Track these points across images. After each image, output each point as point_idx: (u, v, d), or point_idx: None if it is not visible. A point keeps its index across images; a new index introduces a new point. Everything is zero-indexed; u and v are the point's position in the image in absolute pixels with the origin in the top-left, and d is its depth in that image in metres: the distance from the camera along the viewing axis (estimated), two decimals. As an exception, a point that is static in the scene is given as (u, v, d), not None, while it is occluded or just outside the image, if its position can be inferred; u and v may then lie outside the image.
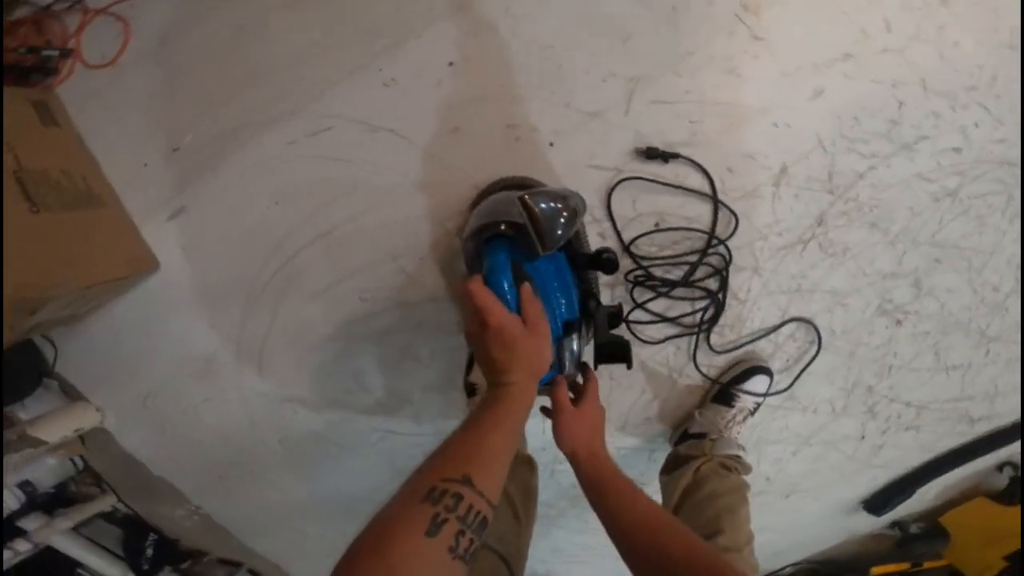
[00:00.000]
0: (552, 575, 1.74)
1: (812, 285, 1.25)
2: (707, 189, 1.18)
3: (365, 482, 1.59)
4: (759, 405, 1.32)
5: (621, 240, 1.22)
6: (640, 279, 1.24)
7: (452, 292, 1.30)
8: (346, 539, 1.75)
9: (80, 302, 1.26)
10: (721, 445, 1.27)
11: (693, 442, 1.31)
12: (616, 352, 1.04)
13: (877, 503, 1.54)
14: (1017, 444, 1.42)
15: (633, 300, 1.26)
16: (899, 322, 1.28)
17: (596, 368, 1.06)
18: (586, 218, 1.18)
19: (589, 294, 1.13)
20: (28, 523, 1.67)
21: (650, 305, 1.27)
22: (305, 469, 1.60)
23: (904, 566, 1.62)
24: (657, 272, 1.23)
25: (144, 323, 1.41)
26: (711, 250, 1.21)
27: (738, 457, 1.27)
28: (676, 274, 1.23)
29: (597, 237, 1.22)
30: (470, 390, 1.34)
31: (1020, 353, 1.32)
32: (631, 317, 1.27)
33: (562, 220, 0.91)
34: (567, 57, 1.13)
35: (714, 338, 1.30)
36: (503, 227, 0.97)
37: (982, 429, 1.42)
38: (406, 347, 1.37)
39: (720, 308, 1.26)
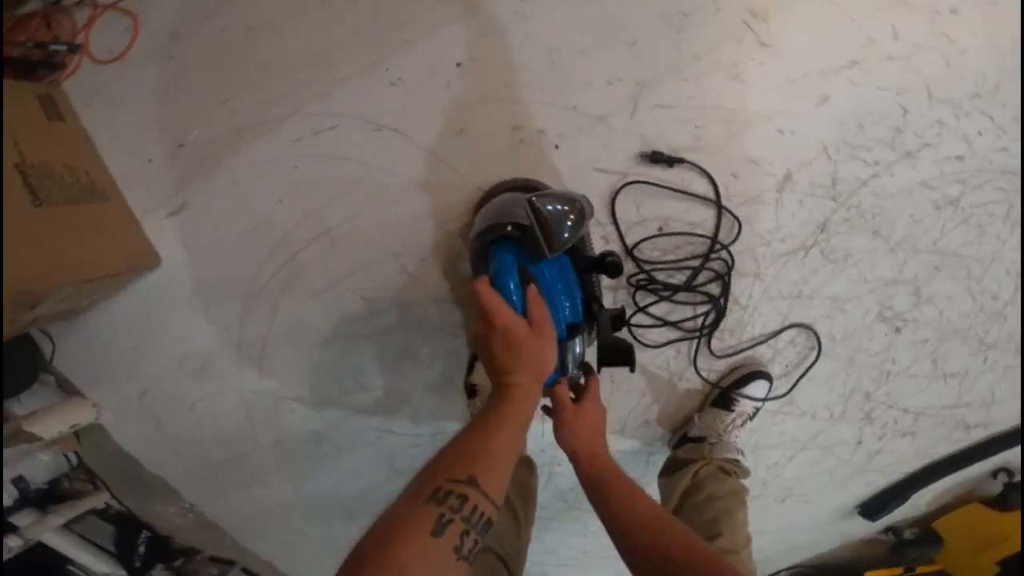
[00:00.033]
0: (546, 577, 1.74)
1: (813, 291, 1.25)
2: (711, 194, 1.18)
3: (362, 482, 1.58)
4: (758, 410, 1.32)
5: (624, 244, 1.22)
6: (642, 283, 1.24)
7: (454, 293, 1.30)
8: (342, 539, 1.75)
9: (80, 296, 1.25)
10: (720, 449, 1.28)
11: (692, 446, 1.32)
12: (620, 355, 1.04)
13: (872, 508, 1.55)
14: (1011, 451, 1.43)
15: (635, 304, 1.27)
16: (898, 329, 1.29)
17: (599, 371, 1.06)
18: (591, 221, 1.18)
19: (592, 297, 1.13)
20: (20, 519, 1.66)
21: (652, 309, 1.27)
22: (301, 468, 1.59)
23: (897, 571, 1.63)
24: (659, 276, 1.24)
25: (143, 319, 1.40)
26: (714, 255, 1.21)
27: (737, 461, 1.28)
28: (678, 278, 1.24)
29: (600, 240, 1.22)
30: (470, 391, 1.34)
31: (1020, 360, 1.33)
32: (633, 321, 1.27)
33: (569, 223, 0.90)
34: (574, 60, 1.14)
35: (715, 343, 1.30)
36: (509, 228, 0.98)
37: (978, 436, 1.43)
38: (406, 347, 1.37)
39: (721, 313, 1.26)
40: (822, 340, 1.29)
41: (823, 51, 1.09)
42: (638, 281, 1.24)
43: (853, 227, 1.20)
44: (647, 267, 1.23)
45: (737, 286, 1.25)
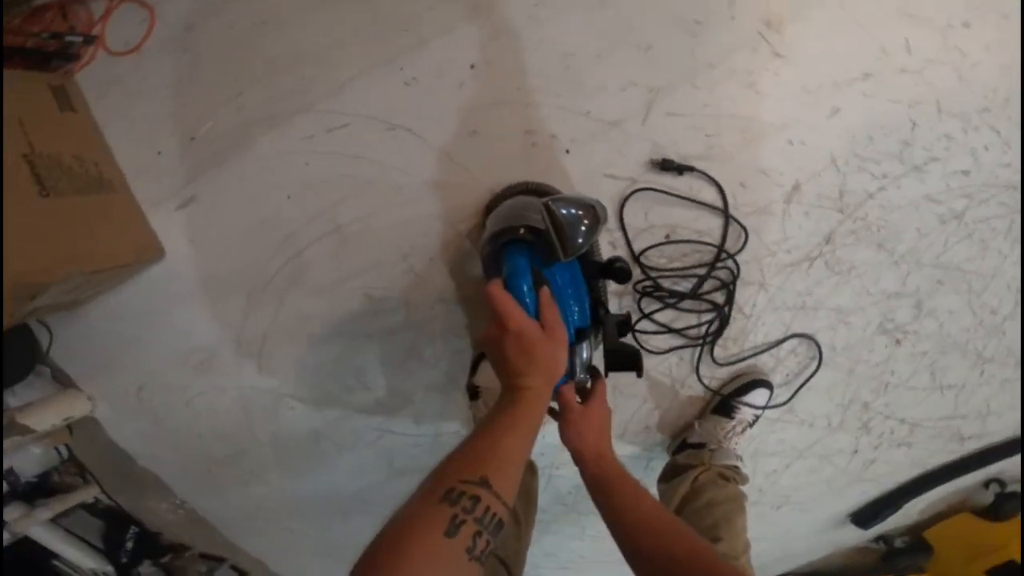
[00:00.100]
0: (542, 581, 1.74)
1: (816, 302, 1.27)
2: (719, 203, 1.19)
3: (361, 481, 1.58)
4: (758, 417, 1.33)
5: (632, 250, 1.22)
6: (648, 290, 1.25)
7: (460, 294, 1.30)
8: (338, 538, 1.74)
9: (82, 288, 1.24)
10: (720, 455, 1.29)
11: (692, 452, 1.33)
12: (627, 360, 1.05)
13: (865, 516, 1.57)
14: (1004, 462, 1.46)
15: (640, 310, 1.27)
16: (899, 341, 1.31)
17: (606, 375, 1.07)
18: (602, 227, 1.18)
19: (598, 302, 1.14)
20: (8, 513, 1.64)
21: (656, 316, 1.28)
22: (299, 466, 1.58)
23: (888, 579, 1.66)
24: (665, 283, 1.24)
25: (145, 312, 1.39)
26: (720, 264, 1.22)
27: (736, 468, 1.29)
28: (684, 286, 1.24)
29: (608, 246, 1.23)
30: (473, 393, 1.34)
31: (1016, 373, 1.35)
32: (637, 327, 1.28)
33: (583, 228, 0.91)
34: (588, 65, 1.14)
35: (717, 350, 1.31)
36: (522, 231, 0.98)
37: (972, 447, 1.46)
38: (411, 347, 1.37)
39: (725, 321, 1.27)
40: (823, 350, 1.31)
41: (837, 62, 1.10)
42: (644, 288, 1.25)
43: (859, 239, 1.21)
44: (653, 274, 1.24)
45: (741, 295, 1.26)
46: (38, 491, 1.78)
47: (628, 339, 1.28)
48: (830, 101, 1.12)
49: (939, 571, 1.61)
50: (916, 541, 1.63)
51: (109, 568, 1.92)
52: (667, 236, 1.22)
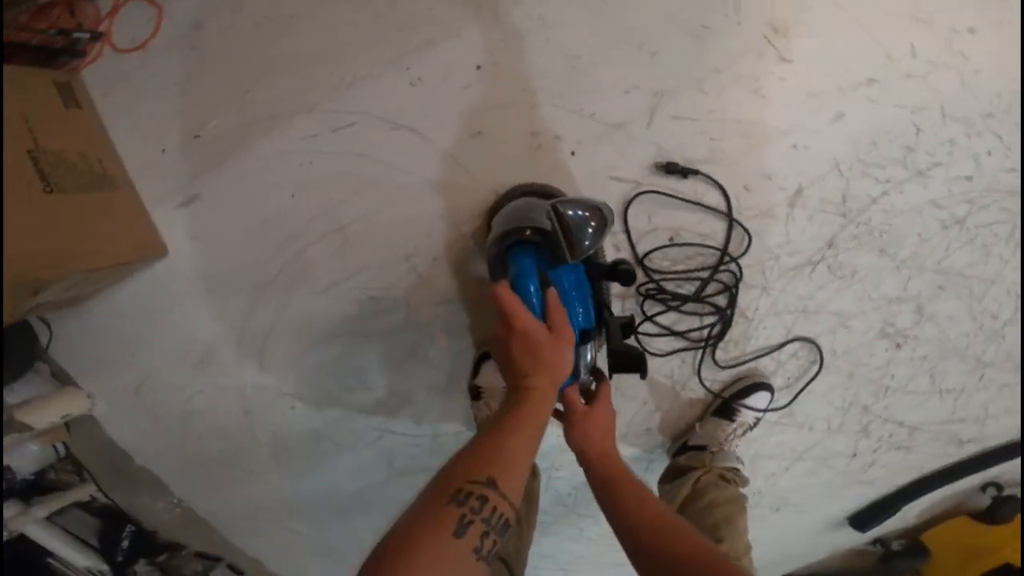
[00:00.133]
0: (540, 582, 1.75)
1: (818, 306, 1.27)
2: (723, 207, 1.19)
3: (360, 482, 1.58)
4: (759, 420, 1.34)
5: (635, 253, 1.23)
6: (652, 292, 1.25)
7: (462, 294, 1.30)
8: (336, 538, 1.74)
9: (84, 284, 1.24)
10: (721, 458, 1.30)
11: (693, 454, 1.33)
12: (632, 362, 1.05)
13: (863, 519, 1.57)
14: (1001, 466, 1.47)
15: (643, 312, 1.27)
16: (899, 346, 1.31)
17: (611, 377, 1.07)
18: (607, 229, 1.19)
19: (602, 304, 1.14)
20: (4, 511, 1.63)
21: (659, 318, 1.28)
22: (298, 466, 1.58)
23: (884, 582, 1.67)
24: (668, 286, 1.25)
25: (146, 310, 1.38)
26: (723, 267, 1.23)
27: (736, 470, 1.29)
28: (687, 289, 1.25)
29: (612, 248, 1.23)
30: (475, 393, 1.34)
31: (1015, 378, 1.36)
32: (640, 329, 1.28)
33: (590, 230, 0.91)
34: (594, 68, 1.14)
35: (719, 353, 1.32)
36: (529, 233, 0.98)
37: (970, 451, 1.46)
38: (413, 347, 1.37)
39: (727, 324, 1.28)
40: (824, 354, 1.31)
41: (842, 68, 1.11)
42: (647, 290, 1.25)
43: (861, 244, 1.21)
44: (657, 277, 1.24)
45: (744, 298, 1.26)
46: (34, 489, 1.77)
47: (631, 341, 1.28)
48: (834, 106, 1.12)
49: (936, 574, 1.62)
50: (913, 544, 1.63)
51: (104, 567, 1.91)
52: (671, 239, 1.22)
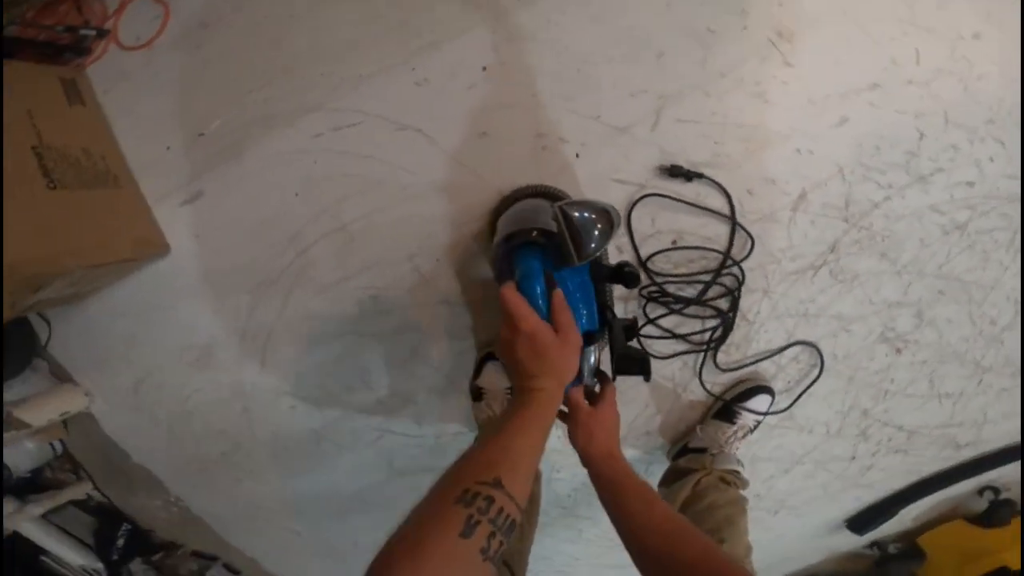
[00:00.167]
0: (538, 583, 1.75)
1: (819, 310, 1.28)
2: (726, 210, 1.19)
3: (360, 482, 1.58)
4: (759, 423, 1.34)
5: (638, 255, 1.23)
6: (654, 295, 1.25)
7: (465, 295, 1.30)
8: (333, 538, 1.73)
9: (85, 281, 1.24)
10: (721, 460, 1.30)
11: (693, 456, 1.34)
12: (636, 365, 1.05)
13: (860, 522, 1.58)
14: (998, 470, 1.48)
15: (645, 315, 1.28)
16: (899, 350, 1.32)
17: (615, 379, 1.07)
18: (612, 231, 1.19)
19: (605, 306, 1.14)
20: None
21: (661, 321, 1.28)
22: (297, 465, 1.58)
23: (881, 584, 1.68)
24: (671, 289, 1.25)
25: (147, 307, 1.38)
26: (725, 270, 1.23)
27: (737, 472, 1.29)
28: (689, 292, 1.25)
29: (615, 250, 1.23)
30: (476, 394, 1.34)
31: (1013, 382, 1.37)
32: (642, 331, 1.28)
33: (597, 232, 0.91)
34: (600, 70, 1.14)
35: (720, 356, 1.32)
36: (535, 234, 0.98)
37: (967, 455, 1.47)
38: (415, 347, 1.37)
39: (729, 328, 1.28)
40: (825, 358, 1.32)
41: (846, 72, 1.11)
42: (650, 293, 1.25)
43: (863, 249, 1.22)
44: (659, 279, 1.24)
45: (745, 301, 1.27)
46: (30, 487, 1.77)
47: (633, 343, 1.29)
48: (838, 111, 1.13)
49: (931, 577, 1.64)
50: (909, 547, 1.64)
51: (99, 565, 1.90)
52: (674, 242, 1.23)
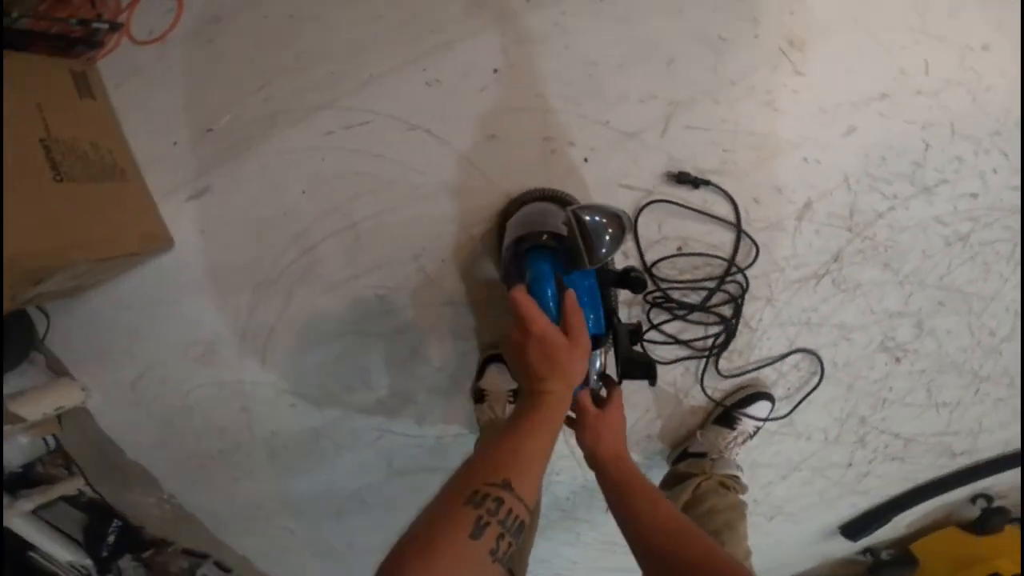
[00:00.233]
0: (535, 586, 1.75)
1: (821, 319, 1.29)
2: (732, 218, 1.20)
3: (359, 481, 1.57)
4: (759, 429, 1.35)
5: (644, 261, 1.23)
6: (658, 300, 1.26)
7: (470, 297, 1.30)
8: (329, 538, 1.71)
9: (88, 274, 1.23)
10: (721, 465, 1.31)
11: (693, 460, 1.35)
12: (641, 369, 1.05)
13: (855, 528, 1.60)
14: (992, 478, 1.50)
15: (649, 320, 1.28)
16: (898, 359, 1.33)
17: (620, 383, 1.07)
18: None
19: (611, 310, 1.15)
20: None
21: (664, 326, 1.29)
22: (296, 464, 1.57)
23: (873, 591, 1.69)
24: (675, 295, 1.26)
25: (149, 302, 1.37)
26: (729, 278, 1.24)
27: (736, 477, 1.31)
28: (693, 298, 1.26)
29: (620, 256, 1.24)
30: (478, 396, 1.34)
31: (1010, 393, 1.39)
32: (645, 337, 1.29)
33: (608, 237, 0.91)
34: (610, 75, 1.14)
35: (722, 362, 1.33)
36: (545, 238, 0.98)
37: (962, 463, 1.49)
38: (417, 348, 1.37)
39: (732, 334, 1.29)
40: (825, 366, 1.33)
41: (856, 82, 1.12)
42: (654, 299, 1.26)
43: (866, 258, 1.23)
44: (664, 285, 1.25)
45: (748, 309, 1.28)
46: (21, 482, 1.75)
47: (636, 348, 1.29)
48: (847, 120, 1.14)
49: (924, 583, 1.65)
50: (902, 554, 1.66)
51: (88, 561, 1.88)
52: (679, 248, 1.23)
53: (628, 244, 1.23)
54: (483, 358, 1.35)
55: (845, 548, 1.68)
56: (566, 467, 1.48)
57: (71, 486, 1.79)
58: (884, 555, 1.68)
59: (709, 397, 1.36)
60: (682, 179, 1.18)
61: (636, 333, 1.12)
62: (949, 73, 1.11)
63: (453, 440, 1.47)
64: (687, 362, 1.33)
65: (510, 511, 0.63)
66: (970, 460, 1.49)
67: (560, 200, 1.15)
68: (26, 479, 1.75)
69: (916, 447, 1.45)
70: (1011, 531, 1.53)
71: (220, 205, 1.28)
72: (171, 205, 1.28)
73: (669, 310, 1.27)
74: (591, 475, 0.99)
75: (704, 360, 1.32)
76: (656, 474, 1.42)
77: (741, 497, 1.29)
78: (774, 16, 1.10)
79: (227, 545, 1.85)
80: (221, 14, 1.19)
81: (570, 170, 1.19)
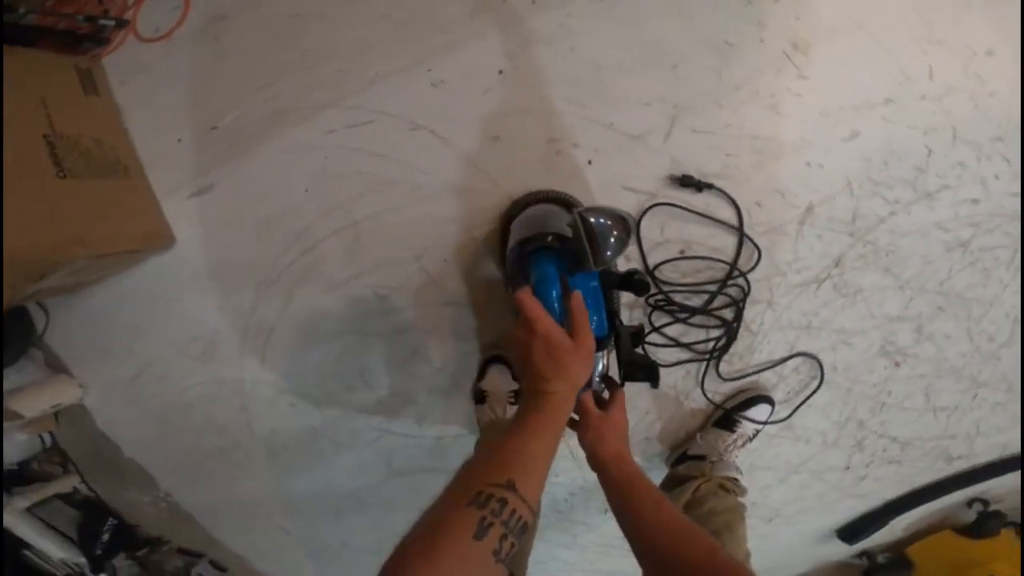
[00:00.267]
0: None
1: (822, 323, 1.29)
2: (734, 221, 1.21)
3: (357, 481, 1.57)
4: (758, 432, 1.35)
5: (646, 264, 1.24)
6: (660, 303, 1.26)
7: (471, 297, 1.30)
8: (326, 537, 1.71)
9: (89, 271, 1.22)
10: (720, 467, 1.31)
11: (693, 463, 1.35)
12: (644, 371, 1.06)
13: (851, 531, 1.60)
14: (988, 482, 1.51)
15: (651, 323, 1.29)
16: (898, 364, 1.34)
17: (623, 385, 1.07)
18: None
19: (613, 313, 1.15)
20: (-16, 501, 1.59)
21: (665, 329, 1.29)
22: (295, 463, 1.56)
23: (869, 594, 1.70)
24: (677, 298, 1.26)
25: (150, 299, 1.36)
26: (731, 281, 1.24)
27: (736, 480, 1.31)
28: (695, 301, 1.26)
29: (623, 258, 1.23)
30: (479, 397, 1.34)
31: (1008, 397, 1.40)
32: (647, 339, 1.29)
33: (613, 239, 0.91)
34: (615, 78, 1.15)
35: (723, 366, 1.33)
36: (550, 239, 0.98)
37: (959, 467, 1.50)
38: (418, 348, 1.36)
39: (732, 338, 1.29)
40: (825, 370, 1.33)
41: (860, 86, 1.13)
42: (656, 301, 1.26)
43: (867, 263, 1.24)
44: (666, 288, 1.25)
45: (749, 312, 1.28)
46: (16, 479, 1.73)
47: (637, 351, 1.30)
48: (850, 124, 1.14)
49: (918, 587, 1.66)
50: (898, 557, 1.66)
51: (81, 560, 1.87)
52: (681, 251, 1.24)
53: (631, 247, 1.23)
54: (484, 359, 1.35)
55: (841, 551, 1.68)
56: (564, 469, 1.48)
57: (66, 484, 1.77)
58: (880, 558, 1.68)
59: (709, 400, 1.36)
60: (685, 182, 1.18)
61: (637, 336, 1.12)
62: (953, 78, 1.12)
63: (453, 441, 1.47)
64: (688, 365, 1.34)
65: (513, 512, 0.63)
66: (967, 464, 1.49)
67: (563, 202, 1.15)
68: (21, 476, 1.74)
69: (913, 451, 1.46)
70: (1007, 535, 1.54)
71: (222, 203, 1.27)
72: (173, 202, 1.27)
73: (671, 313, 1.27)
74: (589, 477, 1.00)
75: (705, 363, 1.33)
76: (655, 476, 1.42)
77: (740, 499, 1.29)
78: (780, 20, 1.10)
79: (223, 544, 1.84)
80: (228, 12, 1.19)
81: (574, 172, 1.19)
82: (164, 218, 1.26)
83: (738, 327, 1.28)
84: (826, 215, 1.21)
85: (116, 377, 1.49)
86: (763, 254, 1.22)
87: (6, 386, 1.42)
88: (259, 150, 1.23)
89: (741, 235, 1.21)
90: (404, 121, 1.19)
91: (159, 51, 1.21)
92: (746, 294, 1.25)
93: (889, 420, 1.41)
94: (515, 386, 1.31)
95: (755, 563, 1.56)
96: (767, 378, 1.35)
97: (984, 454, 1.48)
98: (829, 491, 1.52)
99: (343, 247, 1.28)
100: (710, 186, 1.18)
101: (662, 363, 1.32)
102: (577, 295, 0.90)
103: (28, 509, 1.73)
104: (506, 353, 1.32)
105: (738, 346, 1.31)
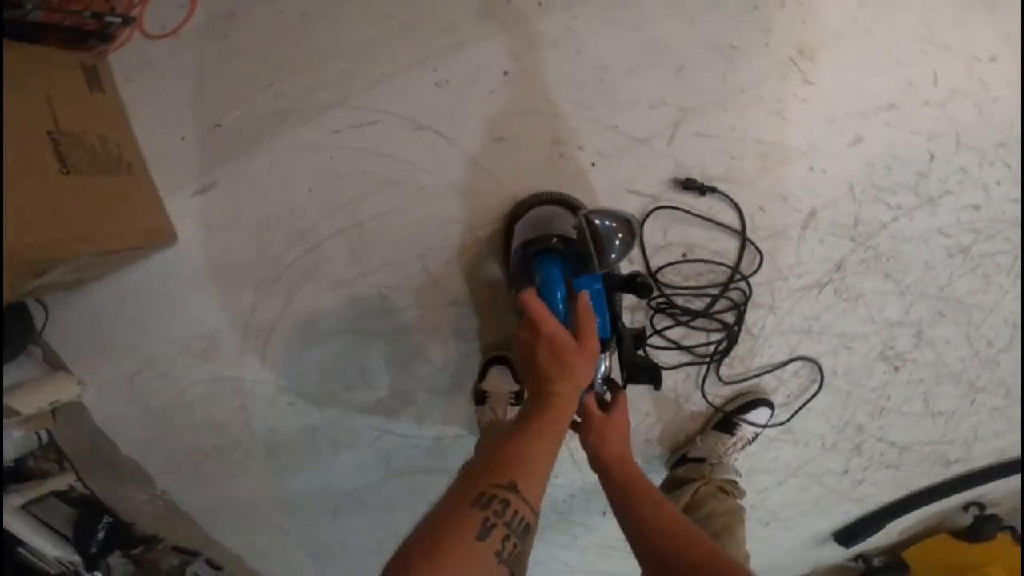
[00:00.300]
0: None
1: (822, 327, 1.30)
2: (737, 225, 1.21)
3: (356, 481, 1.56)
4: (758, 435, 1.36)
5: (648, 267, 1.24)
6: (662, 306, 1.26)
7: (473, 298, 1.30)
8: (324, 537, 1.70)
9: (90, 268, 1.21)
10: (720, 470, 1.32)
11: (692, 465, 1.35)
12: (647, 374, 1.06)
13: (848, 535, 1.61)
14: (984, 486, 1.52)
15: (652, 326, 1.29)
16: (897, 368, 1.35)
17: (625, 387, 1.08)
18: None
19: (616, 315, 1.15)
20: (-20, 500, 1.58)
21: (667, 332, 1.30)
22: (294, 463, 1.56)
23: (864, 597, 1.71)
24: (679, 301, 1.26)
25: (151, 296, 1.35)
26: (733, 285, 1.25)
27: (735, 482, 1.31)
28: (696, 304, 1.26)
29: (625, 261, 1.23)
30: (480, 397, 1.34)
31: (1007, 403, 1.41)
32: (648, 342, 1.29)
33: (618, 241, 0.92)
34: (620, 80, 1.15)
35: (723, 369, 1.34)
36: (555, 241, 0.98)
37: (956, 471, 1.51)
38: (418, 348, 1.36)
39: (734, 341, 1.30)
40: (825, 374, 1.34)
41: (864, 92, 1.13)
42: (658, 304, 1.26)
43: (868, 268, 1.24)
44: (668, 291, 1.25)
45: (751, 316, 1.29)
46: (12, 476, 1.72)
47: (639, 353, 1.30)
48: (854, 130, 1.15)
49: (914, 590, 1.67)
50: (894, 560, 1.67)
51: (76, 558, 1.86)
52: (684, 255, 1.24)
53: (634, 249, 1.23)
54: (485, 359, 1.35)
55: (838, 554, 1.69)
56: (564, 470, 1.48)
57: (62, 481, 1.76)
58: (876, 561, 1.69)
59: (709, 403, 1.36)
60: (689, 186, 1.18)
61: (639, 338, 1.13)
62: (956, 84, 1.13)
63: (452, 441, 1.47)
64: (688, 368, 1.34)
65: (516, 513, 0.63)
66: (964, 468, 1.50)
67: (567, 204, 1.15)
68: (17, 473, 1.73)
69: (911, 455, 1.47)
70: (1003, 539, 1.55)
71: (226, 201, 1.27)
72: (177, 200, 1.27)
73: (672, 316, 1.28)
74: (589, 478, 1.00)
75: (705, 366, 1.33)
76: (655, 478, 1.42)
77: (739, 502, 1.29)
78: (786, 25, 1.11)
79: (220, 543, 1.83)
80: (235, 10, 1.18)
81: (578, 174, 1.19)
82: (167, 216, 1.25)
83: (739, 331, 1.29)
84: (828, 220, 1.21)
85: (116, 374, 1.48)
86: (765, 258, 1.23)
87: (4, 383, 1.41)
88: (263, 149, 1.23)
89: (743, 239, 1.22)
90: (409, 121, 1.19)
91: (165, 48, 1.20)
92: (748, 298, 1.25)
93: (888, 424, 1.42)
94: (516, 387, 1.31)
95: (752, 566, 1.57)
96: (767, 381, 1.36)
97: (982, 459, 1.49)
98: (827, 495, 1.53)
99: (346, 247, 1.27)
100: (713, 190, 1.18)
101: (664, 366, 1.32)
102: (584, 296, 0.90)
103: (23, 506, 1.72)
104: (507, 354, 1.32)
105: (739, 349, 1.32)
